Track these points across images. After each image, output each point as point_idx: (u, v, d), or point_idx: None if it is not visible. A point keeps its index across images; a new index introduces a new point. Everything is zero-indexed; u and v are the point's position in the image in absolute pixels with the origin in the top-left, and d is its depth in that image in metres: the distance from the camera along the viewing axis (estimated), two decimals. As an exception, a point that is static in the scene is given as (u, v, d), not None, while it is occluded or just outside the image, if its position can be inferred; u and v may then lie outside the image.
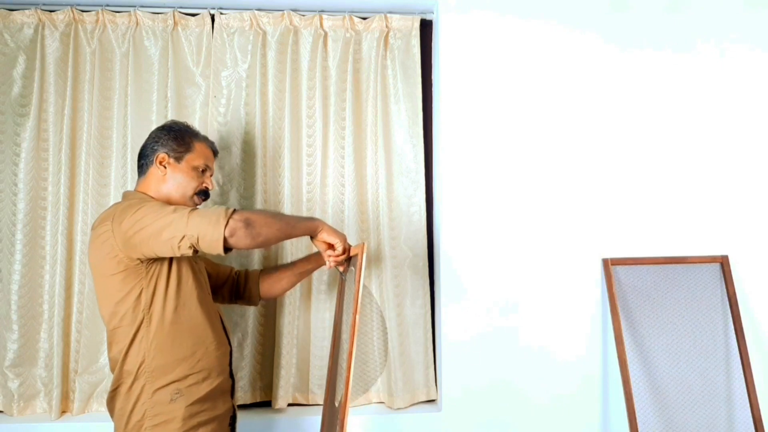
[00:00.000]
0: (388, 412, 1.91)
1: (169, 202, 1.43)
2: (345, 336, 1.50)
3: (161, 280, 1.37)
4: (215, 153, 1.59)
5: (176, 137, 1.48)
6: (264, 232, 1.34)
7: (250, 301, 1.72)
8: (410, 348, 1.95)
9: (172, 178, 1.46)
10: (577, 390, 1.92)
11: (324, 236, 1.50)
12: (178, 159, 1.47)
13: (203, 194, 1.52)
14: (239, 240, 1.30)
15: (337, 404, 1.47)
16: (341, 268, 1.60)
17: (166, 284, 1.38)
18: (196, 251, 1.31)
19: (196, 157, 1.50)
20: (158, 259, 1.37)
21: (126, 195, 1.48)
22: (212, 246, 1.28)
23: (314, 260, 1.70)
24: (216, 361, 1.43)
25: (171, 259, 1.40)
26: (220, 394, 1.44)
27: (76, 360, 1.84)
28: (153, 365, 1.35)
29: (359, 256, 1.46)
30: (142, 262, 1.34)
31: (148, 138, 1.51)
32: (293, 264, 1.73)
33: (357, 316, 1.40)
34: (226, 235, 1.28)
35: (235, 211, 1.31)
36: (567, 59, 1.95)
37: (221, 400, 1.44)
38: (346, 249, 1.54)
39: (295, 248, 1.90)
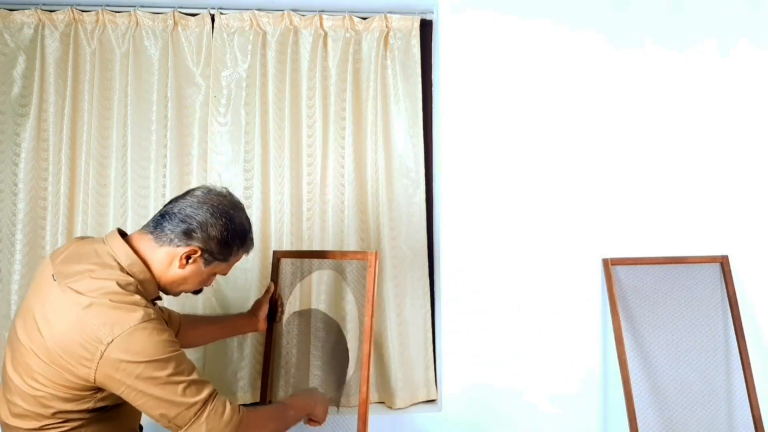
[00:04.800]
0: (388, 412, 1.91)
1: (159, 280, 1.24)
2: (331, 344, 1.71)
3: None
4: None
5: (224, 243, 1.24)
6: None
7: None
8: (410, 348, 1.95)
9: (187, 271, 1.24)
10: (577, 390, 1.92)
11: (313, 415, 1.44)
12: (207, 262, 1.25)
13: (198, 291, 1.36)
14: None
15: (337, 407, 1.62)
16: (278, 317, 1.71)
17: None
18: None
19: (225, 267, 1.31)
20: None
21: (114, 244, 1.21)
22: None
23: (247, 323, 1.62)
24: None
25: None
26: None
27: (76, 360, 1.84)
28: None
29: (371, 265, 1.58)
30: (93, 390, 1.14)
31: (201, 207, 1.23)
32: (220, 319, 1.65)
33: (372, 320, 1.53)
34: None
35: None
36: (567, 59, 1.95)
37: None
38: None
39: (295, 247, 1.90)
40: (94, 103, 1.89)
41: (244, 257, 1.35)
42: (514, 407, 1.90)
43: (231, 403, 1.19)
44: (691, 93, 1.99)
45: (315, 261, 1.83)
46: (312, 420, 1.46)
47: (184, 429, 1.14)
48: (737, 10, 2.01)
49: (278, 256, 1.77)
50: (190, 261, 1.23)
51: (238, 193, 1.89)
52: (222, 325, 1.64)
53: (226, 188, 1.32)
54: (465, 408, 1.88)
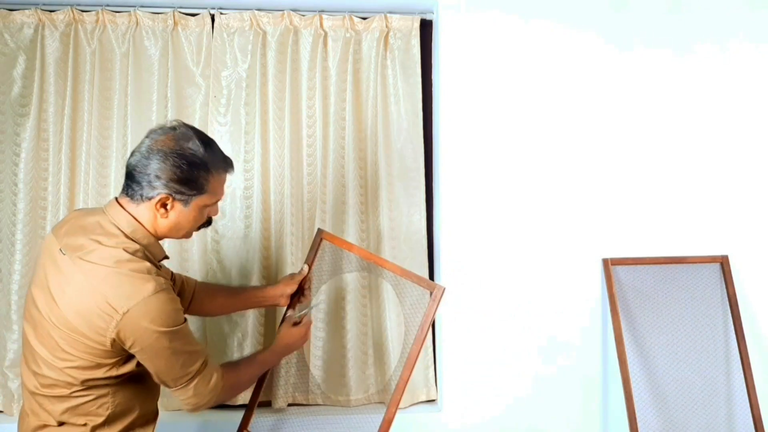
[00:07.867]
0: (388, 412, 1.91)
1: (157, 234, 1.26)
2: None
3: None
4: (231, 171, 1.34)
5: (186, 180, 1.21)
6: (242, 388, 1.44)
7: None
8: (410, 348, 1.95)
9: (173, 217, 1.24)
10: (577, 390, 1.92)
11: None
12: (185, 202, 1.23)
13: (206, 224, 1.35)
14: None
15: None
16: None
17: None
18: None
19: (208, 197, 1.26)
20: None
21: (115, 213, 1.22)
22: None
23: (270, 295, 1.61)
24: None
25: None
26: None
27: (76, 360, 1.84)
28: (117, 410, 1.23)
29: (435, 300, 1.50)
30: (113, 356, 1.19)
31: (149, 156, 1.20)
32: (241, 290, 1.66)
33: (421, 347, 1.52)
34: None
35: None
36: (567, 59, 1.95)
37: None
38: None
39: (295, 247, 1.90)
40: (94, 103, 1.89)
41: (228, 177, 1.32)
42: (514, 407, 1.90)
43: (218, 371, 1.29)
44: (690, 93, 1.99)
45: (372, 265, 1.73)
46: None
47: (172, 389, 1.24)
48: (737, 10, 2.01)
49: (321, 236, 1.65)
50: (168, 207, 1.22)
51: (238, 194, 1.90)
52: (243, 296, 1.63)
53: (177, 120, 1.29)
54: (465, 408, 1.88)
